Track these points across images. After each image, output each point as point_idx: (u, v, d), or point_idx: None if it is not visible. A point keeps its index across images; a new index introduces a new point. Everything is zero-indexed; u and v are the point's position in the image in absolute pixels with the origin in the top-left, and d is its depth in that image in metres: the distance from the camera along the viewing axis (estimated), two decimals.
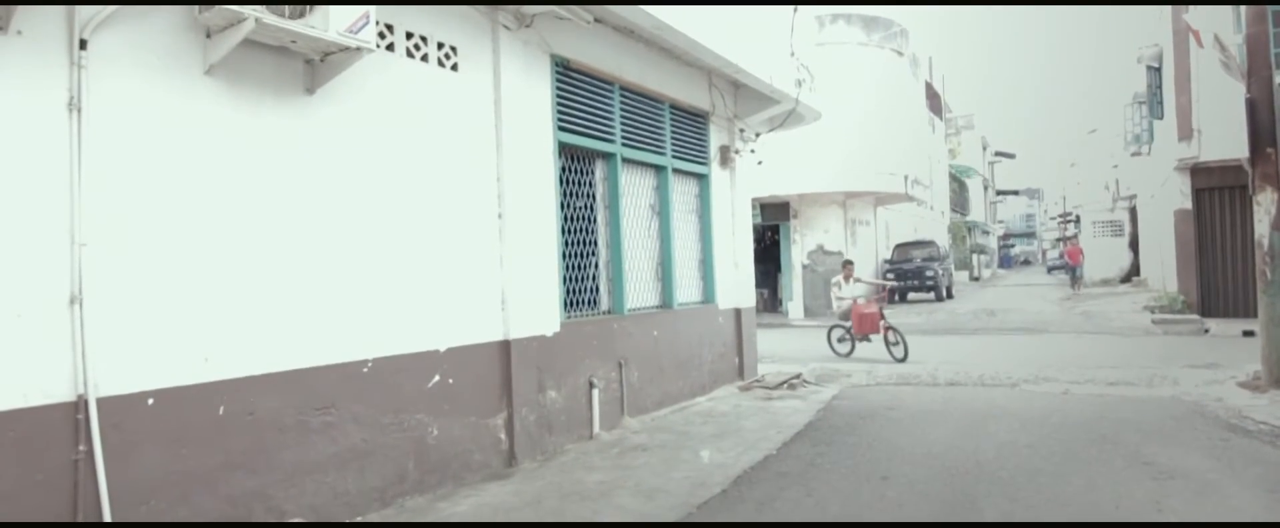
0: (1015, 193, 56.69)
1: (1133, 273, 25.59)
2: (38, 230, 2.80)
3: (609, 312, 6.10)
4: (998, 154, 45.87)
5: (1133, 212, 26.05)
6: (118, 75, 3.03)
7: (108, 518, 2.91)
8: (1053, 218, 52.09)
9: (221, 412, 3.31)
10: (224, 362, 3.33)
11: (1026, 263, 61.59)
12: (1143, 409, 6.08)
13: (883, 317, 9.79)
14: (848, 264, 10.80)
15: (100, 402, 2.91)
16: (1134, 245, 26.16)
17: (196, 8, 3.16)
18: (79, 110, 2.91)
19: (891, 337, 9.62)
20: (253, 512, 3.40)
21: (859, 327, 9.86)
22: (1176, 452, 4.73)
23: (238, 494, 3.34)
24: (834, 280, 10.83)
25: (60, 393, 2.83)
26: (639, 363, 6.22)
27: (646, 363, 6.32)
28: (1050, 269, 42.55)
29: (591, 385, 5.62)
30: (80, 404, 2.86)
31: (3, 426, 2.67)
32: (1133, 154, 20.14)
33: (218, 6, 3.03)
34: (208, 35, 3.26)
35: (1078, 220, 32.35)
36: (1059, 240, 43.28)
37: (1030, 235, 69.34)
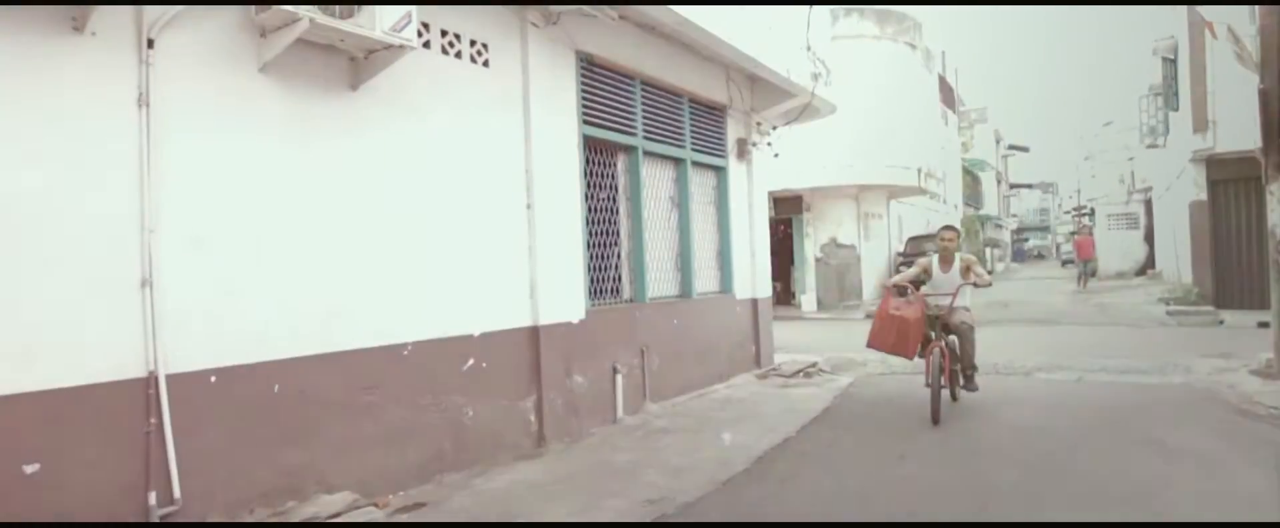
0: (1029, 186, 56.37)
1: (1148, 266, 25.48)
2: (112, 218, 3.01)
3: (631, 300, 6.28)
4: (1011, 147, 45.65)
5: (1148, 204, 25.93)
6: (181, 73, 3.23)
7: (176, 489, 3.13)
8: (1067, 212, 51.75)
9: (276, 390, 3.52)
10: (277, 343, 3.54)
11: (1040, 257, 61.20)
12: (1154, 395, 6.19)
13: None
14: (948, 234, 5.93)
15: (169, 378, 3.12)
16: (1149, 238, 26.05)
17: (253, 8, 3.35)
18: (147, 105, 3.11)
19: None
20: (304, 484, 3.61)
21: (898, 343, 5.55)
22: (1186, 434, 4.85)
23: (291, 467, 3.56)
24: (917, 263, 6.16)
25: (134, 370, 3.04)
26: (660, 350, 6.39)
27: (667, 350, 6.50)
28: (1064, 263, 42.32)
29: (615, 371, 5.81)
30: (151, 380, 3.08)
31: (85, 398, 2.88)
32: (1148, 146, 20.05)
33: (274, 7, 3.22)
34: (262, 35, 3.46)
35: (1092, 213, 32.18)
36: (1073, 234, 43.04)
37: (1044, 229, 68.90)
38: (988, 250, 36.03)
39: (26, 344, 2.75)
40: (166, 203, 3.16)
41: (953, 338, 5.77)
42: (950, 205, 27.75)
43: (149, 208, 3.09)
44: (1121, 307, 15.24)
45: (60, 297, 2.85)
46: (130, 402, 3.02)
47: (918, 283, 5.98)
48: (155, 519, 3.05)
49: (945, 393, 5.60)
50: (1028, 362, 8.20)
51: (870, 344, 5.68)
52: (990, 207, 39.50)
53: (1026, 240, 63.49)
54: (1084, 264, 21.86)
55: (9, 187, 2.74)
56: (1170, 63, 15.61)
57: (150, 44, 3.11)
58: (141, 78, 3.10)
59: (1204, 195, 13.89)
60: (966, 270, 5.79)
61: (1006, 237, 47.77)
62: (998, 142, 42.58)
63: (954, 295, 5.64)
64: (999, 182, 43.59)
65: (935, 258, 5.96)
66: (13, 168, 2.75)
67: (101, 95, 3.00)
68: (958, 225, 6.67)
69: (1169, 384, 6.68)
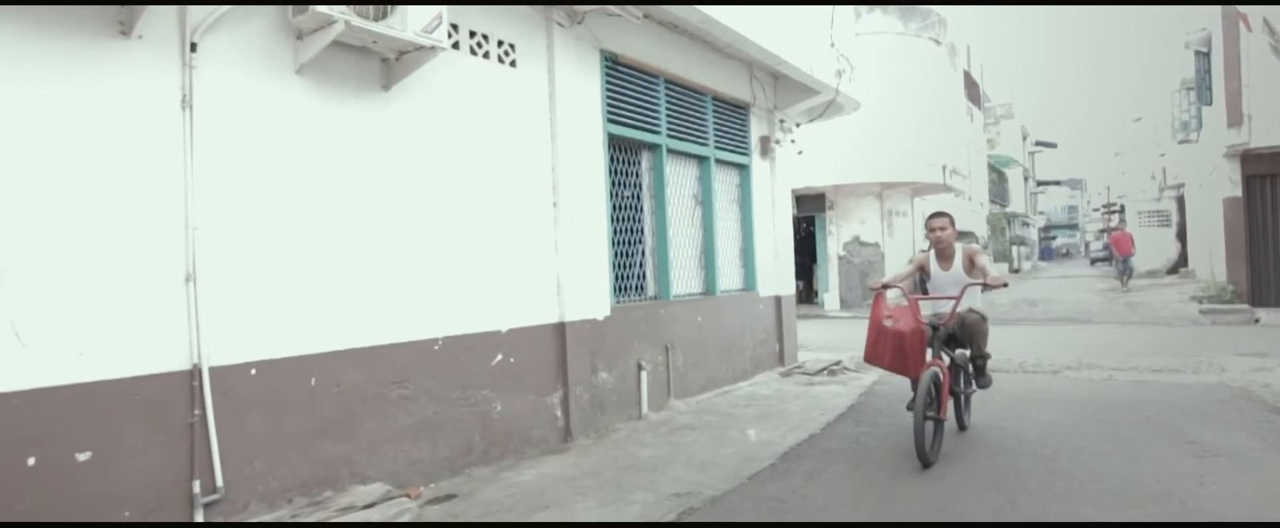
0: (1057, 183, 55.46)
1: (1180, 264, 24.97)
2: (158, 215, 3.11)
3: (655, 297, 6.32)
4: (1038, 144, 44.93)
5: (1180, 201, 25.40)
6: (222, 75, 3.34)
7: (219, 478, 3.23)
8: (1096, 209, 50.86)
9: (313, 383, 3.61)
10: (313, 337, 3.63)
11: (1068, 255, 60.22)
12: (1187, 394, 6.10)
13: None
14: (936, 222, 4.92)
15: (212, 371, 3.22)
16: (1181, 236, 25.51)
17: (290, 11, 3.45)
18: (190, 107, 3.21)
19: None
20: (340, 475, 3.70)
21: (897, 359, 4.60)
22: (1220, 432, 4.78)
23: (327, 459, 3.65)
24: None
25: (178, 362, 3.14)
26: (684, 347, 6.43)
27: (691, 347, 6.53)
28: (1093, 261, 41.57)
29: (640, 368, 5.85)
30: (195, 373, 3.18)
31: (132, 390, 2.99)
32: (1180, 142, 19.67)
33: (311, 11, 3.31)
34: (299, 37, 3.55)
35: (1122, 210, 31.57)
36: (1103, 232, 42.26)
37: (1072, 227, 67.76)
38: (1014, 248, 35.51)
39: (79, 337, 2.86)
40: (209, 201, 3.26)
41: (960, 352, 4.88)
42: (975, 203, 27.41)
43: (192, 206, 3.19)
44: (1153, 305, 14.97)
45: (110, 292, 2.95)
46: (175, 393, 3.13)
47: (922, 289, 5.02)
48: (200, 506, 3.15)
49: (949, 423, 4.67)
50: (1056, 360, 8.11)
51: (868, 359, 4.70)
52: (1017, 204, 38.93)
53: (1054, 238, 62.50)
54: (1123, 262, 20.91)
55: (62, 187, 2.85)
56: (1203, 56, 15.29)
57: (193, 47, 3.21)
58: (185, 80, 3.20)
59: (1238, 191, 13.60)
60: (971, 265, 4.81)
61: (1033, 234, 47.05)
62: (1024, 138, 41.95)
63: (958, 299, 4.65)
64: (1026, 178, 42.94)
65: (932, 253, 4.99)
66: (65, 168, 2.87)
67: (148, 97, 3.11)
68: (949, 211, 5.12)
69: (1202, 383, 6.58)
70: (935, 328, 4.57)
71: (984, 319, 4.86)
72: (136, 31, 3.06)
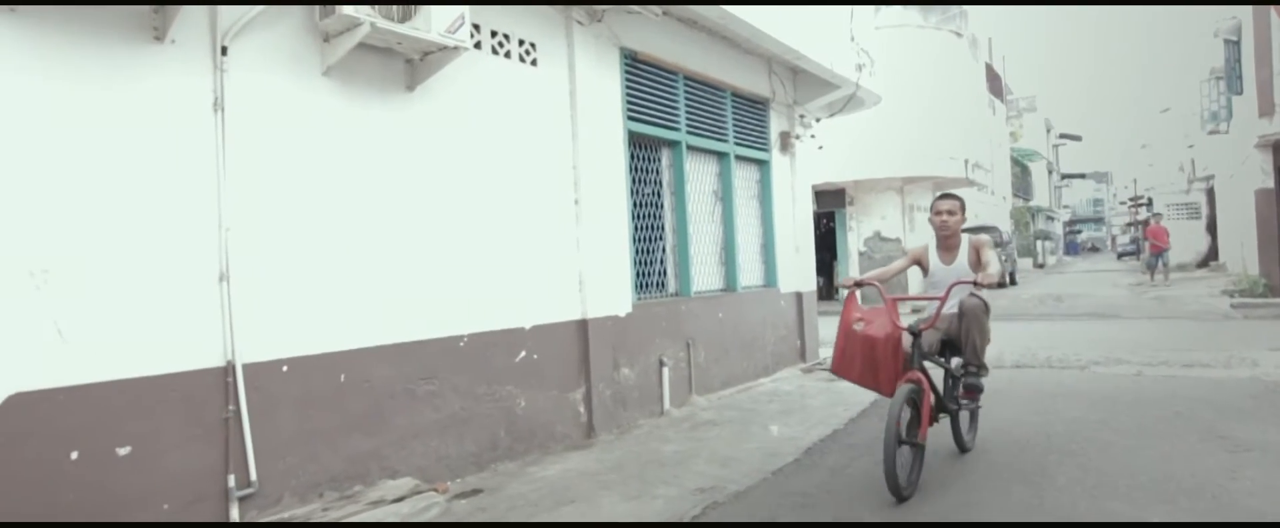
0: (1082, 176, 54.62)
1: (1210, 257, 24.48)
2: (192, 216, 3.19)
3: (676, 294, 6.34)
4: (1062, 136, 44.28)
5: (1210, 193, 24.90)
6: (252, 78, 3.40)
7: (253, 472, 3.30)
8: (1122, 202, 49.98)
9: (342, 379, 3.68)
10: (342, 334, 3.69)
11: (1094, 249, 59.27)
12: (1219, 389, 6.00)
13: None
14: (944, 204, 4.24)
15: (245, 367, 3.30)
16: (1211, 228, 25.01)
17: (317, 13, 3.51)
18: (222, 110, 3.29)
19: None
20: (370, 470, 3.77)
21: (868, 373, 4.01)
22: (1253, 427, 4.70)
23: (358, 454, 3.72)
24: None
25: (213, 359, 3.22)
26: (705, 343, 6.44)
27: (712, 344, 6.54)
28: (1120, 255, 40.89)
29: (661, 364, 5.87)
30: (229, 369, 3.26)
31: (170, 386, 3.07)
32: (1210, 132, 19.27)
33: (338, 13, 3.37)
34: (325, 39, 3.62)
35: (1150, 203, 30.99)
36: (1130, 225, 41.48)
37: (1098, 221, 66.66)
38: (1038, 243, 35.01)
39: (119, 335, 2.94)
40: (240, 202, 3.33)
41: (956, 360, 4.15)
42: (998, 197, 27.09)
43: (225, 207, 3.27)
44: (1183, 299, 14.70)
45: (147, 291, 3.03)
46: (210, 390, 3.20)
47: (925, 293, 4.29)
48: (235, 500, 3.23)
49: (940, 444, 4.14)
50: (1083, 355, 8.00)
51: (835, 369, 4.06)
52: (1041, 198, 38.40)
53: (1079, 233, 61.57)
54: (1158, 256, 20.08)
55: (102, 189, 2.93)
56: (1233, 45, 14.97)
57: (224, 51, 3.28)
58: (216, 83, 3.27)
59: (1270, 182, 13.32)
60: (978, 260, 4.08)
61: (1058, 229, 46.38)
62: (1048, 130, 41.36)
63: (943, 300, 3.95)
64: (1050, 172, 42.32)
65: (932, 244, 4.29)
66: (105, 170, 2.95)
67: (182, 100, 3.18)
68: (960, 194, 4.41)
69: (1234, 378, 6.46)
70: (917, 334, 3.82)
71: (986, 310, 4.06)
72: (170, 36, 3.13)
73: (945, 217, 4.19)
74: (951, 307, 4.04)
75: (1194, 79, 20.84)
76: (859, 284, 4.10)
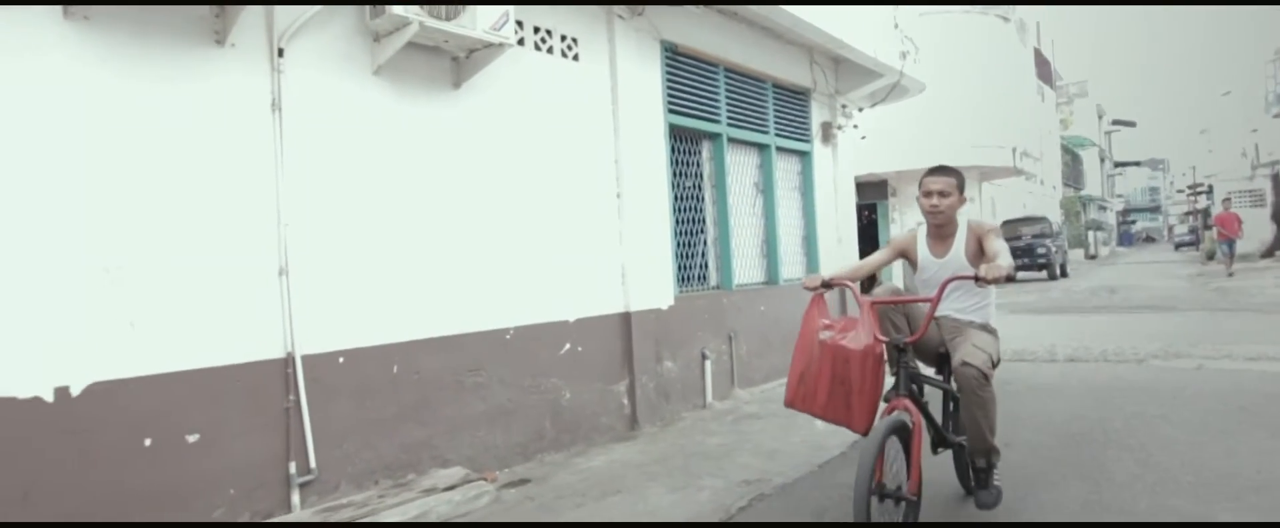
0: (1136, 164, 52.66)
1: (1275, 247, 23.40)
2: (253, 213, 3.31)
3: (718, 287, 6.33)
4: (1115, 123, 42.75)
5: (1274, 179, 23.77)
6: (307, 78, 3.51)
7: (312, 460, 3.42)
8: (1180, 191, 48.04)
9: (395, 370, 3.78)
10: (395, 327, 3.79)
11: (1150, 240, 57.13)
12: None
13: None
14: (934, 180, 3.24)
15: (304, 359, 3.42)
16: (1277, 217, 23.90)
17: (368, 14, 3.60)
18: (279, 110, 3.40)
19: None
20: (421, 459, 3.87)
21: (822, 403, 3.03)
22: None
23: (410, 443, 3.82)
24: None
25: (274, 351, 3.34)
26: (747, 337, 6.42)
27: (754, 337, 6.51)
28: (1178, 246, 39.36)
29: (704, 357, 5.88)
30: (289, 361, 3.38)
31: (237, 376, 3.20)
32: (1275, 116, 18.41)
33: (388, 13, 3.45)
34: (376, 39, 3.71)
35: (1210, 191, 29.73)
36: (1188, 214, 39.84)
37: (1154, 210, 64.20)
38: (1090, 234, 33.89)
39: (188, 328, 3.08)
40: (297, 198, 3.44)
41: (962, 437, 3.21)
42: (1048, 186, 26.32)
43: (283, 203, 3.38)
44: (1246, 291, 14.08)
45: (212, 285, 3.16)
46: (272, 380, 3.33)
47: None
48: (296, 486, 3.35)
49: (940, 487, 3.32)
50: (1141, 349, 7.74)
51: (789, 402, 3.13)
52: (1093, 187, 37.14)
53: (1134, 223, 59.40)
54: (1228, 244, 18.93)
55: (169, 187, 3.06)
56: None
57: (281, 53, 3.39)
58: (273, 84, 3.39)
59: None
60: (980, 252, 3.15)
61: (1112, 218, 44.82)
62: (1100, 117, 39.96)
63: (935, 300, 2.94)
64: (1102, 160, 40.91)
65: (921, 232, 3.39)
66: (172, 169, 3.08)
67: (242, 101, 3.30)
68: (953, 167, 3.36)
69: None
70: (901, 349, 2.95)
71: (987, 376, 2.93)
72: (230, 40, 3.25)
73: (936, 198, 3.18)
74: (946, 310, 3.20)
75: (1258, 59, 19.90)
76: (827, 285, 3.21)
